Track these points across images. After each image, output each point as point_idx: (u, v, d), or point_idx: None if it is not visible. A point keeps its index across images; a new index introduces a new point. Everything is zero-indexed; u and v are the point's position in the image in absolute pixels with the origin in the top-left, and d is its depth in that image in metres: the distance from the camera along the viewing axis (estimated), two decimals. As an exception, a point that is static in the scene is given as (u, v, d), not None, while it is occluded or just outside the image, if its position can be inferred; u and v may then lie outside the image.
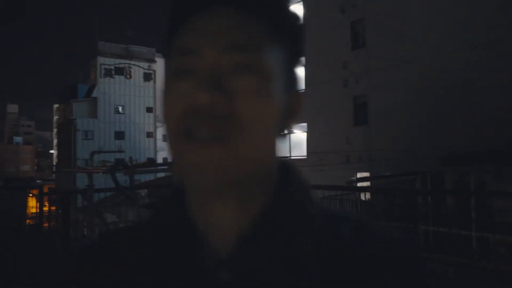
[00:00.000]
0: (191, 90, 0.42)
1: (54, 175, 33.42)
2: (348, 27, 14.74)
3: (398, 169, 10.21)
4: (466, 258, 5.42)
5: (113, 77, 37.33)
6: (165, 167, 7.99)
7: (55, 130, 41.74)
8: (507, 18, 9.96)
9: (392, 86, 12.59)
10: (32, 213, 7.70)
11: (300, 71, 0.55)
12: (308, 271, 0.43)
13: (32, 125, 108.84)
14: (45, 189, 8.04)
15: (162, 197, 0.54)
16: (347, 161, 13.71)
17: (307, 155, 15.73)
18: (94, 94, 36.61)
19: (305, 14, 15.27)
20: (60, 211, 6.85)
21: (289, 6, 0.49)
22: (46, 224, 6.60)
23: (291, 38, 0.48)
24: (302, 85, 0.57)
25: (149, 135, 38.99)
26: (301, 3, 16.38)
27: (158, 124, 39.43)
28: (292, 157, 15.50)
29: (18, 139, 77.72)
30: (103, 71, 36.84)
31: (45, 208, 6.64)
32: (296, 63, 0.49)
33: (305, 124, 15.74)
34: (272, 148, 0.47)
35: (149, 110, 39.08)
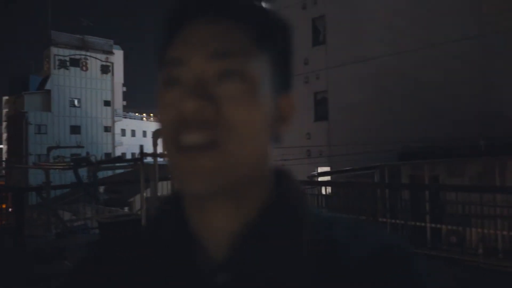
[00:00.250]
0: (179, 98, 0.43)
1: (3, 171, 31.62)
2: (309, 23, 14.95)
3: (357, 164, 10.52)
4: (421, 248, 5.70)
5: (68, 69, 35.78)
6: (131, 163, 7.82)
7: (4, 124, 39.48)
8: (459, 20, 10.47)
9: (351, 83, 12.93)
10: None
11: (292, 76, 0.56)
12: (304, 274, 0.43)
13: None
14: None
15: (162, 202, 0.54)
16: (309, 156, 13.98)
17: (269, 150, 15.83)
18: (47, 86, 34.91)
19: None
20: (11, 209, 6.53)
21: (273, 12, 0.49)
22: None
23: (277, 43, 0.48)
24: (292, 89, 0.58)
25: (107, 129, 37.79)
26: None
27: (116, 118, 38.33)
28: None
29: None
30: (57, 62, 35.21)
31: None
32: (284, 67, 0.50)
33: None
34: (264, 153, 0.47)
35: (106, 103, 37.84)
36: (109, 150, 36.70)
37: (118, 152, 37.54)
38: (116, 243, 0.54)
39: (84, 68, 36.72)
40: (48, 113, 34.46)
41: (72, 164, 8.01)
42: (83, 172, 8.31)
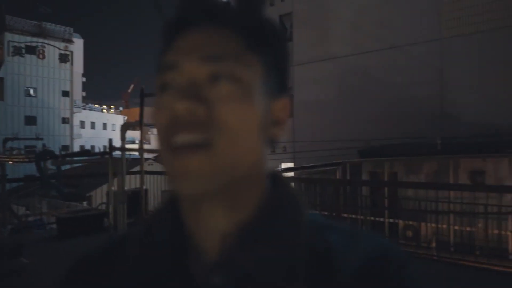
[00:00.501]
0: (171, 101, 0.44)
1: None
2: (276, 20, 15.00)
3: (320, 160, 10.73)
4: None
5: (23, 56, 34.00)
6: (98, 157, 7.60)
7: (-49, 113, 37.13)
8: (421, 23, 10.88)
9: (316, 80, 13.14)
10: None
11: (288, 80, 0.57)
12: (297, 278, 0.44)
13: None
14: None
15: (159, 203, 0.54)
16: (273, 152, 14.08)
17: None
18: (0, 74, 33.11)
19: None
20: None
21: (266, 18, 0.50)
22: None
23: (270, 48, 0.49)
24: (287, 93, 0.58)
25: (65, 121, 36.32)
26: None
27: (75, 109, 36.93)
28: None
29: None
30: (11, 49, 33.39)
31: None
32: (278, 72, 0.50)
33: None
34: (257, 155, 0.48)
35: (65, 94, 36.34)
36: (67, 143, 35.37)
37: (76, 145, 36.25)
38: (111, 244, 0.54)
39: (41, 56, 35.06)
40: (0, 102, 32.70)
41: (33, 157, 7.67)
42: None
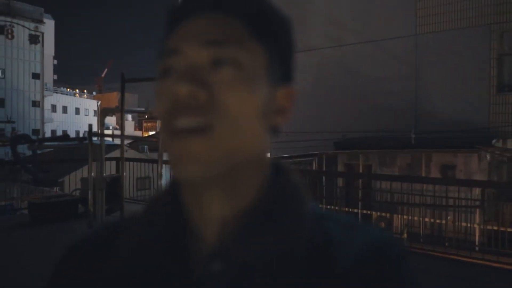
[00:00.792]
0: (172, 85, 0.43)
1: None
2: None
3: (297, 151, 10.83)
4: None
5: (-10, 36, 32.65)
6: (76, 143, 7.40)
7: None
8: (396, 19, 11.06)
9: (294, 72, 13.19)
10: None
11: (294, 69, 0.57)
12: (296, 266, 0.44)
13: None
14: None
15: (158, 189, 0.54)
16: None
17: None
18: (-35, 53, 31.67)
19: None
20: None
21: (272, 5, 0.50)
22: None
23: (275, 35, 0.49)
24: (293, 81, 0.59)
25: (35, 104, 35.18)
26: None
27: (46, 92, 35.79)
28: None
29: None
30: (-23, 28, 31.98)
31: None
32: (283, 60, 0.51)
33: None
34: (258, 141, 0.48)
35: (35, 76, 35.14)
36: (38, 126, 34.31)
37: (47, 129, 35.20)
38: (110, 231, 0.53)
39: (9, 36, 33.70)
40: (-34, 82, 31.36)
41: (7, 140, 7.43)
42: (7, 149, 7.72)
